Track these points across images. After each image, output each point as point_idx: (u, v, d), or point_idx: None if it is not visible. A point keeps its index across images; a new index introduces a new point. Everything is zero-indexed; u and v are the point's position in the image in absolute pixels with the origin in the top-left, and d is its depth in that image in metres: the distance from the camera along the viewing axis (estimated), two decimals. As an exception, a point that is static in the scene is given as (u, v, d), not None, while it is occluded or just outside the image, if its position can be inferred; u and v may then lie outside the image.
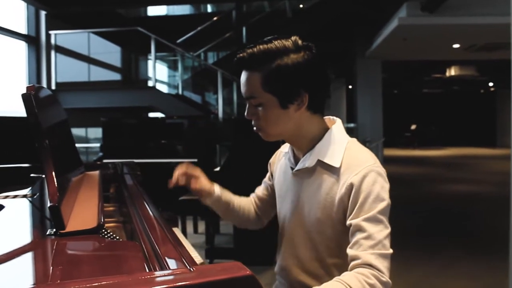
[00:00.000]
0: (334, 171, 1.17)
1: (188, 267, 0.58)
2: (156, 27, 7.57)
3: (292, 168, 1.27)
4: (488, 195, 7.54)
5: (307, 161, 1.21)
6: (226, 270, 0.56)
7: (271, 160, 1.46)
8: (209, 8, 11.53)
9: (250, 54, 1.14)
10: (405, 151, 17.34)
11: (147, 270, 0.65)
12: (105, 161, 5.11)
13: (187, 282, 0.52)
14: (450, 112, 20.74)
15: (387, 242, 1.07)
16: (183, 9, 11.34)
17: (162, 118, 6.81)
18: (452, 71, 11.82)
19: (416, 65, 11.98)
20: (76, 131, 9.10)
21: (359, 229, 1.08)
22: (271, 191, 1.44)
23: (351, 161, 1.16)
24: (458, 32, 7.04)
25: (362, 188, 1.10)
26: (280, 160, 1.40)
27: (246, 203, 1.50)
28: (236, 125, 4.57)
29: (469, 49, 8.34)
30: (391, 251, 1.07)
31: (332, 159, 1.17)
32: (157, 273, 0.57)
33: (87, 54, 8.18)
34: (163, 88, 8.78)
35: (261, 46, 1.13)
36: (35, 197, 1.43)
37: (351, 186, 1.12)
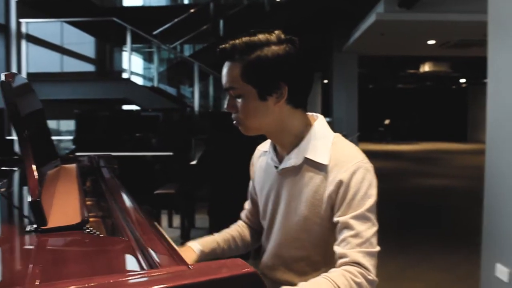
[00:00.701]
0: (322, 168, 1.16)
1: (186, 264, 0.55)
2: (131, 18, 7.43)
3: (276, 167, 1.24)
4: (461, 189, 7.71)
5: (293, 159, 1.19)
6: (227, 268, 0.53)
7: (251, 163, 1.42)
8: (186, 0, 11.39)
9: (232, 44, 1.13)
10: (378, 145, 17.56)
11: (140, 269, 0.61)
12: (78, 154, 5.00)
13: (187, 281, 0.49)
14: (423, 108, 21.10)
15: (374, 240, 1.08)
16: (159, 0, 11.18)
17: (137, 110, 6.71)
18: (426, 67, 12.00)
19: (391, 61, 12.12)
20: (48, 123, 8.83)
21: (347, 226, 1.08)
22: (257, 199, 1.40)
23: (339, 157, 1.15)
24: (434, 28, 7.13)
25: (351, 185, 1.10)
26: (259, 159, 1.37)
27: (235, 233, 1.43)
28: (212, 118, 4.53)
29: (443, 46, 8.48)
30: (378, 248, 1.08)
31: (319, 156, 1.16)
32: (156, 271, 0.53)
33: (60, 44, 7.96)
34: (138, 80, 8.64)
35: (244, 38, 1.13)
36: (9, 190, 1.36)
37: (340, 182, 1.11)
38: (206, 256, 1.31)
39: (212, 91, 8.35)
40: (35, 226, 0.82)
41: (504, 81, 2.65)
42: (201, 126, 6.97)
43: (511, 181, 2.54)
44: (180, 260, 0.68)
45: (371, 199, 1.10)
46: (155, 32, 7.89)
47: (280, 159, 1.23)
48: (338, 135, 1.23)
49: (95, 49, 9.16)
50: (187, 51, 9.99)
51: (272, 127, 1.18)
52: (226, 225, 1.45)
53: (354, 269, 1.03)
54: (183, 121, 6.37)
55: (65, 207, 0.97)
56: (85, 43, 8.75)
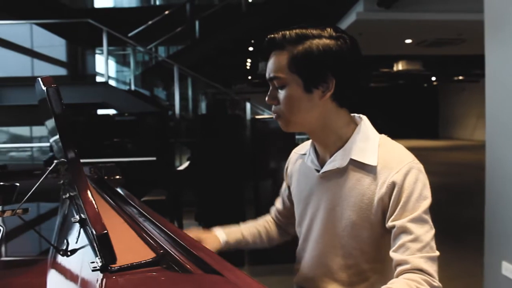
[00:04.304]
0: (370, 170, 1.09)
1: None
2: (103, 20, 7.17)
3: (317, 170, 1.16)
4: (443, 185, 7.80)
5: (338, 161, 1.11)
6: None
7: (286, 166, 1.36)
8: (158, 1, 11.19)
9: (283, 34, 1.08)
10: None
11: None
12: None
13: None
14: (396, 106, 21.44)
15: (434, 244, 1.02)
16: (130, 2, 10.96)
17: (114, 115, 6.50)
18: (399, 66, 12.13)
19: (366, 60, 12.21)
20: (19, 130, 8.53)
21: (405, 231, 1.01)
22: (290, 202, 1.35)
23: (388, 158, 1.08)
24: (412, 27, 7.20)
25: (405, 186, 1.04)
26: (295, 163, 1.30)
27: (261, 228, 1.42)
28: (202, 122, 4.39)
29: (420, 45, 8.59)
30: (438, 253, 1.01)
31: (367, 158, 1.09)
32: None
33: (29, 47, 7.64)
34: (113, 84, 8.39)
35: (295, 29, 1.08)
36: (28, 213, 1.19)
37: (392, 185, 1.04)
38: (229, 247, 1.29)
39: (191, 94, 8.20)
40: (100, 264, 0.68)
41: (501, 78, 2.63)
42: (183, 129, 6.82)
43: (513, 178, 2.52)
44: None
45: (427, 201, 1.04)
46: (130, 34, 7.67)
47: (321, 162, 1.16)
48: (384, 136, 1.17)
49: (66, 52, 8.83)
50: (162, 53, 9.79)
51: (315, 124, 1.12)
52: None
53: (417, 277, 0.96)
54: (164, 125, 6.22)
55: (116, 234, 0.82)
56: (55, 46, 8.43)
